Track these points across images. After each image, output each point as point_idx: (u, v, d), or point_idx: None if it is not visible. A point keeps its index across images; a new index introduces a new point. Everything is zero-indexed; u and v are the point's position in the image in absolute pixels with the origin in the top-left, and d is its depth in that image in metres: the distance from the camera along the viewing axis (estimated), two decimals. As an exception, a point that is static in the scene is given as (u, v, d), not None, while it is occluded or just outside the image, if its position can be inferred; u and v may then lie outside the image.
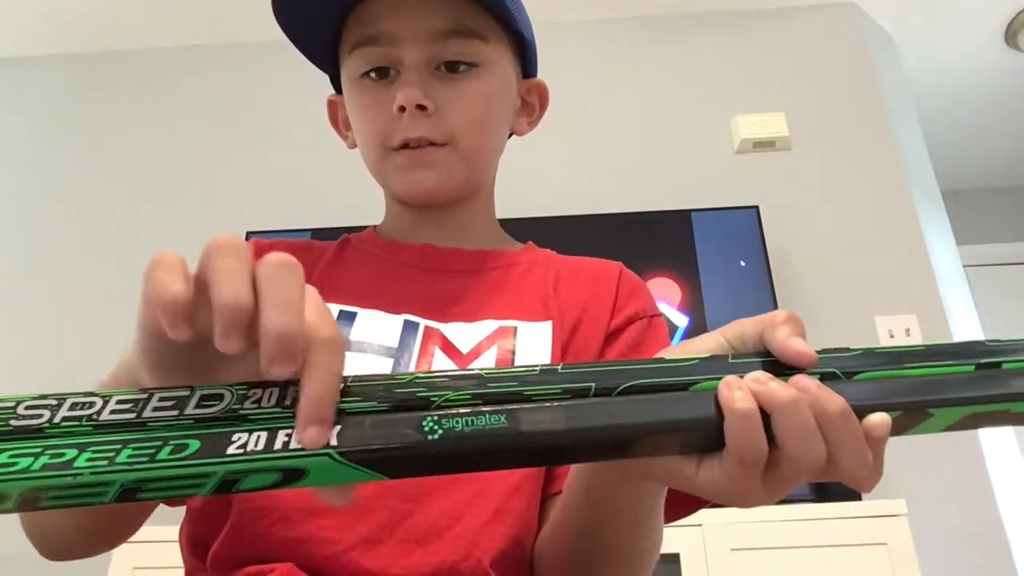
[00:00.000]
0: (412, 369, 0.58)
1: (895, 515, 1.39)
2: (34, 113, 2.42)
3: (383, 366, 0.58)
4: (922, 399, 0.35)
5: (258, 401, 0.33)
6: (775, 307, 1.83)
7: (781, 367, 0.36)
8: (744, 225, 1.94)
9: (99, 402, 0.33)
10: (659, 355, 0.38)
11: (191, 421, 0.33)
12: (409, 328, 0.61)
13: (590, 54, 2.32)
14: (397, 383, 0.35)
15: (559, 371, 0.36)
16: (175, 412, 0.33)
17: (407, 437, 0.33)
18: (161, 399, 0.33)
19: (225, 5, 2.26)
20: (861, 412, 0.34)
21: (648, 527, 0.51)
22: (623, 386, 0.35)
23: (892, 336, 1.87)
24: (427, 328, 0.61)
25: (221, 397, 0.33)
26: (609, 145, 2.19)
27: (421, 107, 0.61)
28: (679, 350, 0.39)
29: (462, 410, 0.34)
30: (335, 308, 0.61)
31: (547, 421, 0.34)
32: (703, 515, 1.21)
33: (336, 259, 0.68)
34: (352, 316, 0.61)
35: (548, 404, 0.35)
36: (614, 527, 0.50)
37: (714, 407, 0.35)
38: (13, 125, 2.41)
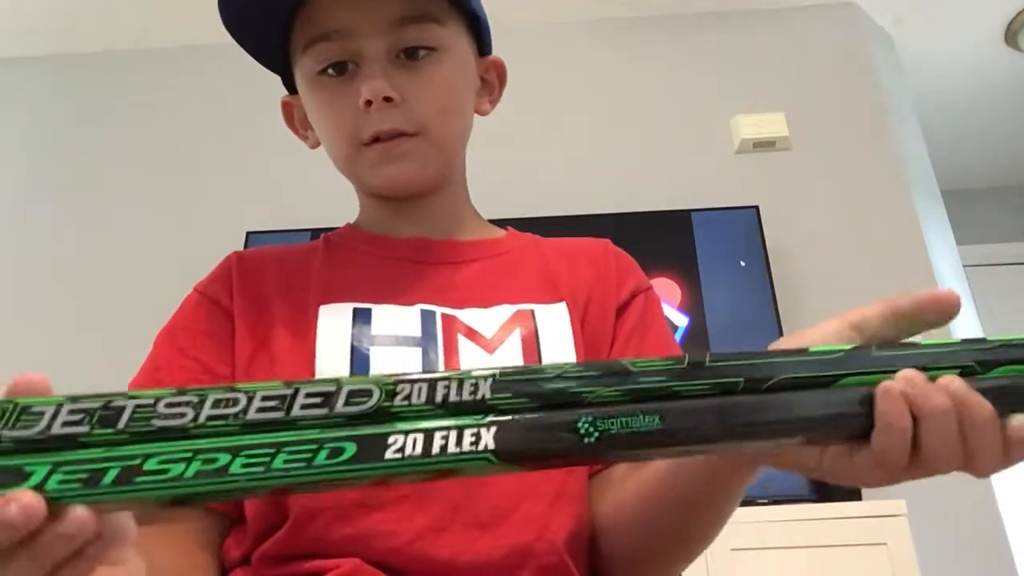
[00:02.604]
0: (441, 360, 0.58)
1: (895, 515, 1.39)
2: (34, 113, 2.42)
3: (411, 357, 0.58)
4: None
5: (408, 398, 0.33)
6: (775, 307, 1.83)
7: (922, 359, 0.36)
8: (744, 225, 1.94)
9: (243, 399, 0.32)
10: (799, 344, 0.38)
11: (342, 419, 0.32)
12: (427, 317, 0.61)
13: (590, 54, 2.31)
14: (545, 377, 0.34)
15: (707, 364, 0.35)
16: (324, 410, 0.32)
17: (563, 440, 0.32)
18: (308, 395, 0.32)
19: (225, 5, 2.26)
20: (1000, 411, 0.34)
21: (732, 510, 0.51)
22: (772, 381, 0.35)
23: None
24: (444, 316, 0.61)
25: (370, 393, 0.33)
26: (609, 145, 2.19)
27: (388, 99, 0.60)
28: (802, 340, 0.39)
29: (616, 408, 0.34)
30: (348, 307, 0.61)
31: (701, 421, 0.34)
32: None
33: (327, 259, 0.67)
34: (368, 313, 0.61)
35: (699, 402, 0.34)
36: (706, 510, 0.51)
37: (863, 406, 0.35)
38: (13, 125, 2.41)
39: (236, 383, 0.33)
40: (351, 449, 0.31)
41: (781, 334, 1.79)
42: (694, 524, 0.53)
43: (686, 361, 0.35)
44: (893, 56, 2.39)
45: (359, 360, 0.58)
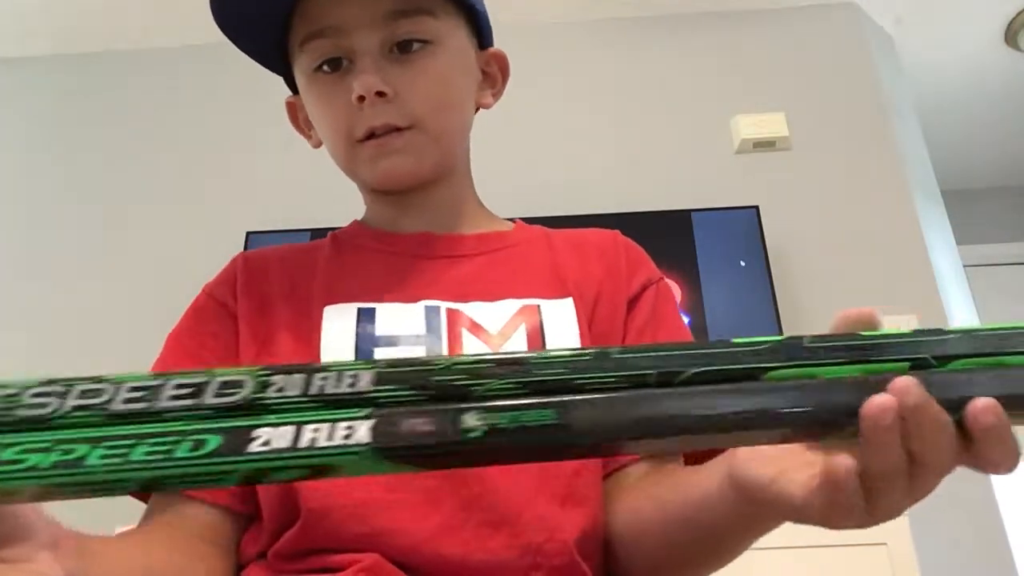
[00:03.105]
0: (445, 354, 0.57)
1: (895, 515, 1.39)
2: (34, 113, 2.42)
3: (415, 354, 0.58)
4: None
5: (281, 389, 0.31)
6: (775, 307, 1.83)
7: (863, 352, 0.32)
8: (744, 225, 1.94)
9: (110, 389, 0.31)
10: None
11: (211, 411, 0.31)
12: (431, 313, 0.60)
13: (590, 54, 2.31)
14: (435, 368, 0.31)
15: (613, 355, 0.32)
16: (192, 401, 0.31)
17: (446, 434, 0.30)
18: (177, 386, 0.31)
19: (225, 5, 2.26)
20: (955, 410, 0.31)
21: (740, 550, 0.50)
22: (688, 373, 0.32)
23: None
24: (449, 310, 0.60)
25: (241, 384, 0.31)
26: (609, 145, 2.19)
27: (380, 93, 0.60)
28: None
29: (507, 402, 0.31)
30: (352, 307, 0.61)
31: (601, 416, 0.30)
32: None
33: (334, 258, 0.67)
34: (371, 312, 0.60)
35: (602, 395, 0.31)
36: (736, 544, 0.50)
37: (791, 397, 0.31)
38: (13, 125, 2.41)
39: (104, 373, 0.32)
40: (214, 442, 0.29)
41: (781, 334, 1.79)
42: (721, 552, 0.51)
43: (591, 353, 0.32)
44: (893, 56, 2.39)
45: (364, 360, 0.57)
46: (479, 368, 0.32)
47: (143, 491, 0.30)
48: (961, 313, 2.07)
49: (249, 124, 2.27)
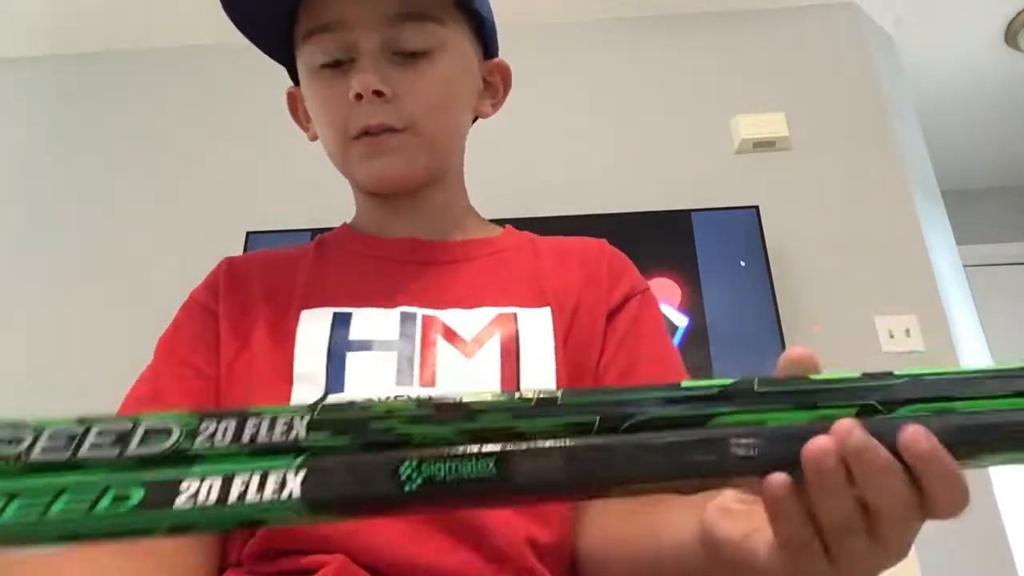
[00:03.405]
0: (417, 362, 0.57)
1: (895, 515, 1.39)
2: (34, 113, 2.42)
3: (386, 360, 0.58)
4: (974, 443, 0.30)
5: (212, 437, 0.30)
6: (775, 307, 1.83)
7: (812, 396, 0.32)
8: (744, 225, 1.94)
9: (29, 437, 0.29)
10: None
11: (135, 462, 0.29)
12: (407, 319, 0.60)
13: (590, 54, 2.31)
14: (372, 416, 0.30)
15: (559, 402, 0.31)
16: (116, 451, 0.29)
17: (380, 487, 0.29)
18: (99, 434, 0.29)
19: (225, 5, 2.26)
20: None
21: None
22: (632, 420, 0.31)
23: (892, 336, 1.87)
24: (425, 316, 0.60)
25: (169, 432, 0.30)
26: (609, 145, 2.19)
27: (378, 93, 0.60)
28: None
29: (445, 450, 0.30)
30: (328, 311, 0.61)
31: (543, 469, 0.30)
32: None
33: (317, 261, 0.67)
34: (347, 317, 0.60)
35: (545, 445, 0.30)
36: None
37: (738, 444, 0.30)
38: (13, 125, 2.41)
39: (26, 418, 0.30)
40: (138, 495, 0.28)
41: (781, 334, 1.79)
42: None
43: (535, 399, 0.31)
44: (893, 56, 2.39)
45: (335, 364, 0.57)
46: (419, 414, 0.31)
47: (59, 547, 0.28)
48: (961, 313, 2.07)
49: (249, 124, 2.27)
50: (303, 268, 0.66)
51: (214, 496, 0.28)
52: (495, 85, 0.71)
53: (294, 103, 0.73)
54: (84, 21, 2.35)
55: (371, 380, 0.57)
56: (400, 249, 0.66)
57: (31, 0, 2.28)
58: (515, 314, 0.61)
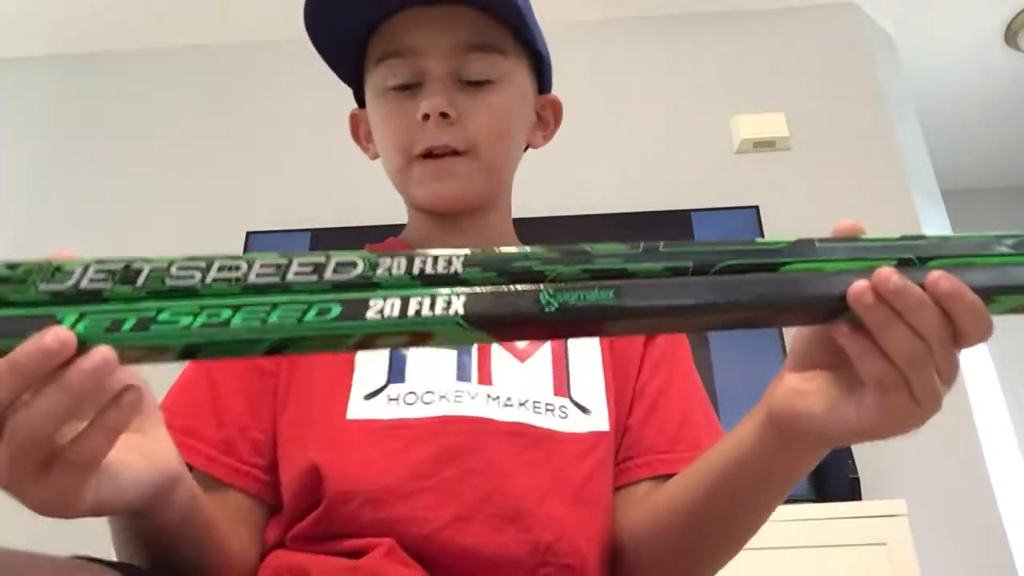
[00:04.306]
0: (475, 366, 0.62)
1: (895, 515, 1.39)
2: (34, 113, 2.42)
3: (446, 360, 0.61)
4: (988, 288, 0.37)
5: (388, 270, 0.36)
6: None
7: (859, 251, 0.39)
8: (744, 225, 1.94)
9: (244, 265, 0.36)
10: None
11: (330, 285, 0.36)
12: None
13: (590, 54, 2.31)
14: (513, 256, 0.37)
15: (660, 250, 0.38)
16: (315, 277, 0.36)
17: (526, 308, 0.36)
18: (301, 264, 0.36)
19: (226, 5, 2.26)
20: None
21: (776, 503, 0.52)
22: (719, 265, 0.38)
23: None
24: None
25: (355, 264, 0.36)
26: (609, 145, 2.19)
27: (444, 115, 0.63)
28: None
29: (574, 283, 0.37)
30: None
31: (650, 296, 0.37)
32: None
33: None
34: None
35: (651, 281, 0.37)
36: (762, 507, 0.52)
37: (803, 285, 0.37)
38: (12, 125, 2.41)
39: (239, 254, 0.37)
40: (336, 309, 0.35)
41: (781, 334, 1.79)
42: (745, 524, 0.54)
43: (641, 247, 0.39)
44: (893, 56, 2.39)
45: (396, 363, 0.61)
46: (550, 256, 0.38)
47: (275, 352, 0.34)
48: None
49: (249, 124, 2.27)
50: None
51: (396, 311, 0.35)
52: (547, 119, 0.75)
53: (356, 124, 0.76)
54: (84, 21, 2.35)
55: (431, 374, 0.60)
56: None
57: (31, 0, 2.28)
58: None
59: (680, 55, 2.30)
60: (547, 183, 2.08)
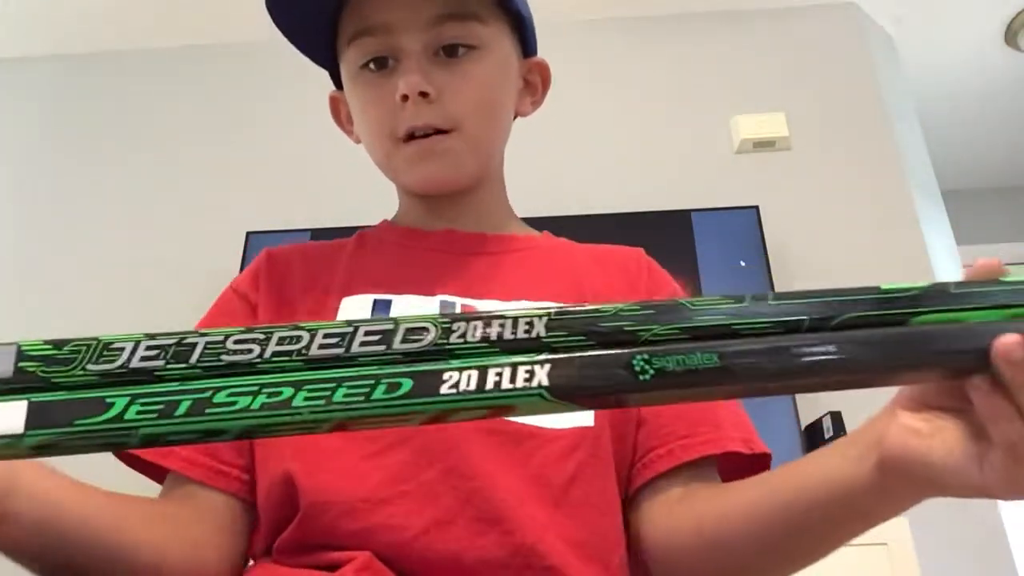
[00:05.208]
0: None
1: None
2: (34, 113, 2.42)
3: None
4: None
5: (463, 335, 0.34)
6: (775, 307, 1.83)
7: (1004, 297, 0.34)
8: (744, 225, 1.94)
9: (306, 336, 0.33)
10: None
11: (399, 356, 0.33)
12: (446, 308, 0.61)
13: (590, 54, 2.31)
14: (601, 315, 0.34)
15: (769, 302, 0.34)
16: (383, 347, 0.33)
17: (618, 376, 0.32)
18: (367, 333, 0.34)
19: (225, 5, 2.26)
20: None
21: (854, 538, 0.49)
22: (839, 319, 0.34)
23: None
24: (464, 307, 0.61)
25: (426, 331, 0.34)
26: (609, 145, 2.19)
27: (423, 94, 0.60)
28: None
29: (672, 346, 0.33)
30: (368, 298, 0.61)
31: (760, 359, 0.33)
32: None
33: (357, 252, 0.68)
34: (387, 304, 0.61)
35: (759, 340, 0.33)
36: (829, 540, 0.50)
37: (938, 340, 0.33)
38: (12, 125, 2.41)
39: (300, 322, 0.34)
40: (407, 384, 0.32)
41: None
42: (812, 556, 0.51)
43: (747, 299, 0.34)
44: (893, 56, 2.39)
45: None
46: (643, 314, 0.34)
47: (339, 430, 0.32)
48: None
49: (249, 124, 2.27)
50: (343, 259, 0.67)
51: (473, 384, 0.32)
52: (535, 84, 0.72)
53: (336, 107, 0.73)
54: (84, 21, 2.35)
55: None
56: (441, 240, 0.67)
57: (31, 0, 2.28)
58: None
59: (680, 55, 2.30)
60: (547, 183, 2.08)
